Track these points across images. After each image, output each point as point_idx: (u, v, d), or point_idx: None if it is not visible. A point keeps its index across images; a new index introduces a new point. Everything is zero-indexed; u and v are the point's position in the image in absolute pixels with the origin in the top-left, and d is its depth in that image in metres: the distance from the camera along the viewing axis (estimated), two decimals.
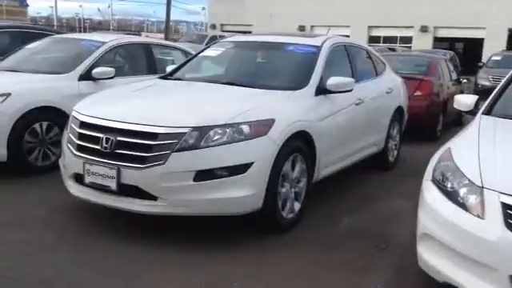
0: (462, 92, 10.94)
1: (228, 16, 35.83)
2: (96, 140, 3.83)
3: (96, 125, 3.90)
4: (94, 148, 3.83)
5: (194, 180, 3.63)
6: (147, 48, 7.06)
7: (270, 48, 5.38)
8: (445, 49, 27.82)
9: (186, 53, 7.73)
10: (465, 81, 11.22)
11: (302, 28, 32.76)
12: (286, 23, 31.75)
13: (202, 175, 3.64)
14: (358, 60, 5.91)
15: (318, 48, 5.11)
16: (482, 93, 15.23)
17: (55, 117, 5.65)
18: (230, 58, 5.51)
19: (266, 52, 5.39)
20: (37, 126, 5.49)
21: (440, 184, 3.05)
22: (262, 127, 3.85)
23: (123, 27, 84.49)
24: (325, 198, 5.12)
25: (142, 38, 8.78)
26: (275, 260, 3.74)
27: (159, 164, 3.61)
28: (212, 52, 5.63)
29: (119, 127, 3.78)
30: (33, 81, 5.69)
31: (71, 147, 4.00)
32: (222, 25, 36.59)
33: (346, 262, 3.77)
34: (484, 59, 25.20)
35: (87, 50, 6.39)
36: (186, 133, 3.66)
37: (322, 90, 4.69)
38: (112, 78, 6.11)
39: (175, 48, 7.79)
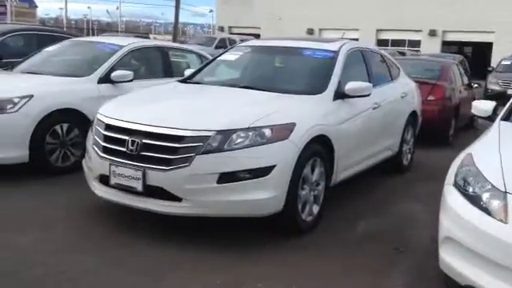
0: (473, 97, 10.99)
1: (236, 18, 35.97)
2: (122, 142, 3.92)
3: (121, 127, 3.99)
4: (119, 150, 3.92)
5: (218, 182, 3.71)
6: (163, 51, 7.16)
7: (288, 53, 5.46)
8: (453, 53, 27.82)
9: (200, 56, 7.83)
10: (476, 85, 11.24)
11: (310, 31, 32.86)
12: (295, 26, 31.84)
13: (226, 177, 3.72)
14: (374, 64, 5.97)
15: (336, 53, 5.19)
16: (492, 97, 15.31)
17: (75, 119, 5.75)
18: (247, 63, 5.60)
19: (284, 56, 5.47)
20: (58, 127, 5.59)
21: (462, 188, 3.11)
22: (283, 131, 3.92)
23: (131, 29, 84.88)
24: (341, 201, 5.18)
25: (158, 42, 8.86)
26: (296, 262, 3.81)
27: (184, 166, 3.69)
28: (230, 56, 5.72)
29: (145, 130, 3.87)
30: (54, 83, 5.79)
31: (97, 149, 4.09)
32: (230, 27, 36.76)
33: (366, 264, 3.84)
34: (493, 63, 25.24)
35: (106, 53, 6.49)
36: (210, 136, 3.74)
37: (340, 95, 4.76)
38: (130, 81, 6.20)
39: (190, 51, 7.89)
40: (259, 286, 3.42)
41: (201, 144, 3.72)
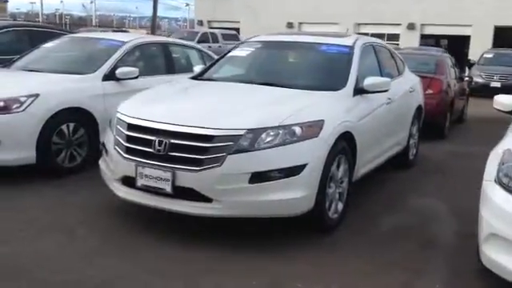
0: (464, 90, 11.11)
1: (215, 12, 35.62)
2: (147, 142, 3.80)
3: (146, 127, 3.87)
4: (145, 151, 3.79)
5: (250, 182, 3.63)
6: (165, 47, 7.01)
7: (303, 48, 5.39)
8: (431, 45, 28.15)
9: (201, 51, 7.70)
10: (467, 78, 11.36)
11: (290, 25, 32.75)
12: (274, 20, 31.69)
13: (257, 177, 3.64)
14: (384, 59, 5.96)
15: (351, 48, 5.14)
16: (476, 90, 15.48)
17: (81, 118, 5.59)
18: (261, 58, 5.49)
19: (299, 52, 5.39)
20: (64, 127, 5.41)
21: (506, 185, 3.10)
22: (313, 128, 3.86)
23: (104, 23, 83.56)
24: (356, 198, 5.13)
25: (160, 38, 8.69)
26: (328, 261, 3.76)
27: (216, 166, 3.59)
28: (241, 52, 5.60)
29: (173, 130, 3.75)
30: (59, 81, 5.60)
31: (119, 150, 3.95)
32: (208, 21, 36.38)
33: (396, 262, 3.80)
34: (470, 56, 25.59)
35: (108, 49, 6.32)
36: (241, 135, 3.65)
37: (359, 90, 4.72)
38: (136, 77, 6.06)
39: (191, 47, 7.74)
40: (299, 286, 3.36)
41: (232, 143, 3.63)
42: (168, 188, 3.69)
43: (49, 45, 6.76)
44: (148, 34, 28.27)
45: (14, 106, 5.06)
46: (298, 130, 3.79)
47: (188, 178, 3.65)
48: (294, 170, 3.70)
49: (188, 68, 7.18)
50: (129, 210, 4.43)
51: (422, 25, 30.84)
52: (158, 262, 3.61)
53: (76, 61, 6.37)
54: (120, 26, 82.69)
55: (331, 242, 4.09)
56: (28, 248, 3.74)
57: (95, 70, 5.94)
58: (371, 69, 5.34)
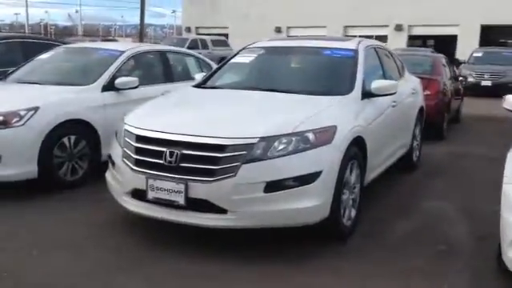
0: (459, 89, 11.13)
1: (202, 18, 35.59)
2: (157, 154, 3.70)
3: (156, 138, 3.77)
4: (156, 162, 3.69)
5: (265, 191, 3.55)
6: (164, 55, 6.90)
7: (306, 53, 5.32)
8: (418, 46, 28.31)
9: (198, 59, 7.61)
10: (461, 78, 11.38)
11: (278, 29, 32.83)
12: (262, 25, 31.76)
13: (272, 186, 3.55)
14: (386, 61, 5.91)
15: (355, 51, 5.08)
16: (467, 89, 15.57)
17: (82, 130, 5.48)
18: (265, 65, 5.40)
19: (303, 57, 5.32)
20: (65, 139, 5.29)
21: None
22: (326, 135, 3.79)
23: (90, 32, 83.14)
24: (365, 203, 5.08)
25: (157, 46, 8.59)
26: (344, 269, 3.67)
27: (230, 176, 3.51)
28: (243, 59, 5.50)
29: (184, 140, 3.65)
30: (58, 93, 5.48)
31: (128, 162, 3.85)
32: (196, 28, 36.33)
33: (416, 267, 3.74)
34: (458, 55, 25.74)
35: (106, 59, 6.20)
36: (254, 144, 3.57)
37: (367, 94, 4.66)
38: (136, 87, 5.95)
39: (189, 54, 7.64)
40: None
41: (245, 152, 3.55)
42: (181, 200, 3.60)
43: (44, 56, 6.63)
44: (134, 42, 28.18)
45: (14, 120, 4.94)
46: (311, 136, 3.71)
47: (202, 189, 3.55)
48: (308, 178, 3.62)
49: (186, 76, 7.13)
50: (135, 223, 4.33)
51: (410, 26, 31.06)
52: (168, 278, 3.50)
53: (74, 72, 6.26)
54: (106, 34, 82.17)
55: (347, 250, 4.01)
56: (33, 267, 3.62)
57: (94, 81, 5.82)
58: (375, 72, 5.29)
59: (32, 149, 4.98)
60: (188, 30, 36.51)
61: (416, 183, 6.08)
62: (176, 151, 3.62)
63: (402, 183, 6.02)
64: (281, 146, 3.63)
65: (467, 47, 24.23)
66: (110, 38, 42.69)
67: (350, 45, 5.24)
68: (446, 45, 29.58)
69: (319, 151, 3.71)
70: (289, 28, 33.06)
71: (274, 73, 5.20)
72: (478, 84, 17.13)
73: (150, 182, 3.68)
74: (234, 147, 3.55)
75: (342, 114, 4.16)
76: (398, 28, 30.98)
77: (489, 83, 17.13)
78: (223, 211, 3.59)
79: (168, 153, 3.64)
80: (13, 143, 4.90)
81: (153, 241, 4.07)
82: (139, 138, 3.86)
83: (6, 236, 4.18)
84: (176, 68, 7.07)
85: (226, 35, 31.77)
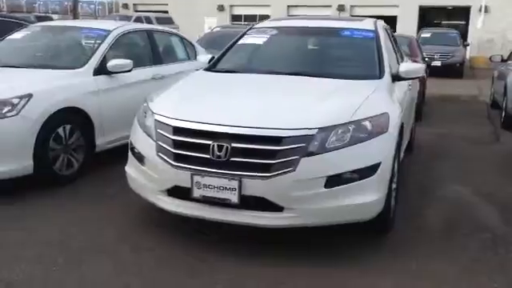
0: (427, 71, 11.24)
1: None
2: (202, 147, 3.31)
3: (199, 130, 3.37)
4: (202, 157, 3.30)
5: (326, 186, 3.26)
6: (151, 35, 6.35)
7: (324, 34, 5.00)
8: None
9: (182, 38, 7.11)
10: (427, 59, 11.52)
11: (221, 8, 32.06)
12: (204, 2, 30.94)
13: (334, 181, 3.27)
14: (395, 43, 5.73)
15: (375, 32, 4.86)
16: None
17: (76, 118, 4.94)
18: (283, 46, 5.01)
19: (323, 38, 4.98)
20: (60, 130, 4.74)
21: None
22: (381, 122, 3.54)
23: (13, 8, 78.22)
24: None
25: (144, 25, 7.96)
26: (398, 266, 3.47)
27: (289, 171, 3.19)
28: (254, 39, 5.08)
29: (233, 132, 3.28)
30: (49, 78, 4.87)
31: (166, 157, 3.41)
32: (134, 4, 34.82)
33: (475, 259, 3.60)
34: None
35: (93, 39, 5.63)
36: (313, 135, 3.26)
37: (395, 77, 4.44)
38: (129, 71, 5.43)
39: (173, 34, 7.08)
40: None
41: (304, 145, 3.24)
42: (234, 198, 3.24)
43: (18, 36, 5.92)
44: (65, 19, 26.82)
45: (6, 110, 4.34)
46: (368, 125, 3.45)
47: (257, 185, 3.21)
48: (368, 171, 3.36)
49: (174, 57, 6.67)
50: (150, 220, 3.97)
51: (352, 6, 31.34)
52: (219, 278, 3.17)
53: (58, 54, 5.63)
54: (30, 10, 77.58)
55: (394, 243, 3.81)
56: (67, 279, 3.17)
57: (84, 64, 5.24)
58: (390, 54, 5.09)
59: (27, 141, 4.42)
60: (125, 6, 34.94)
61: (419, 168, 5.93)
62: (225, 145, 3.25)
63: (405, 170, 5.90)
64: (339, 137, 3.34)
65: (407, 28, 24.83)
66: (42, 14, 39.85)
67: (367, 25, 5.01)
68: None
69: (377, 141, 3.45)
70: (232, 6, 32.41)
71: (297, 55, 4.85)
72: (429, 64, 17.46)
73: (197, 178, 3.29)
74: (292, 139, 3.23)
75: (387, 100, 3.91)
76: (341, 8, 31.16)
77: (438, 63, 17.51)
78: (279, 209, 3.28)
79: (216, 146, 3.26)
80: (5, 136, 4.32)
81: (184, 240, 3.69)
82: (177, 130, 3.43)
83: (16, 241, 3.66)
84: (164, 49, 6.56)
85: (166, 12, 30.62)
